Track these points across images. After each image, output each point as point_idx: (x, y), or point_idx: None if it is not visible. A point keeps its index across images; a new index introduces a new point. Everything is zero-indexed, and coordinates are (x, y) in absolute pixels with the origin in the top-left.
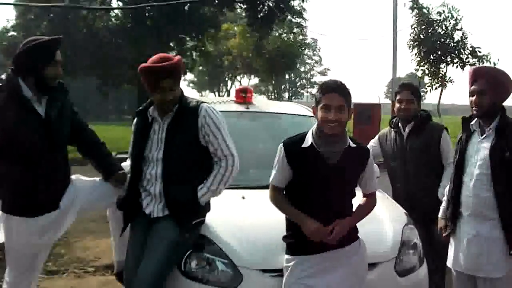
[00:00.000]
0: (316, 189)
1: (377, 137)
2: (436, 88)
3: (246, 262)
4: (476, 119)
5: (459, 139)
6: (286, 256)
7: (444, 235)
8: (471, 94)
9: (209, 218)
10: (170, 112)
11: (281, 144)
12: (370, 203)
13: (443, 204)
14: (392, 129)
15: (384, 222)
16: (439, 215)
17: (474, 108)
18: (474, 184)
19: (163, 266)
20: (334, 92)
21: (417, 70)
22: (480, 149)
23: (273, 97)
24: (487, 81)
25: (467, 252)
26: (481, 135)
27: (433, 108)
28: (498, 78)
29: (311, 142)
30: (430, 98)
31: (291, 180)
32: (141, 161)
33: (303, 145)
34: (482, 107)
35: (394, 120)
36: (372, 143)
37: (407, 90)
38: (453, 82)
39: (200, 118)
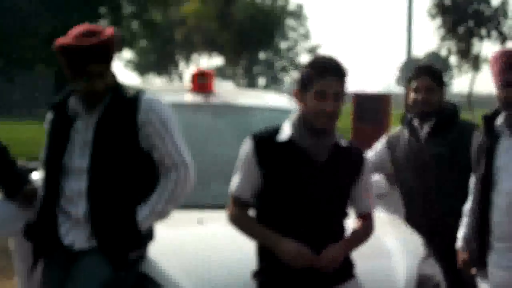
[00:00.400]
0: (298, 199)
1: (384, 139)
2: (466, 72)
3: None
4: (503, 117)
5: (479, 143)
6: None
7: (470, 272)
8: (505, 85)
9: (154, 250)
10: (99, 106)
11: (249, 138)
12: (366, 227)
13: (462, 231)
14: (406, 129)
15: (393, 255)
16: (458, 246)
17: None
18: (510, 205)
19: None
20: (331, 75)
21: (440, 47)
22: None
23: (243, 83)
24: None
25: None
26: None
27: (463, 100)
28: None
29: (291, 135)
30: (459, 85)
31: (260, 191)
32: (58, 172)
33: (278, 140)
34: None
35: (409, 116)
36: (378, 147)
37: (426, 75)
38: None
39: (140, 114)
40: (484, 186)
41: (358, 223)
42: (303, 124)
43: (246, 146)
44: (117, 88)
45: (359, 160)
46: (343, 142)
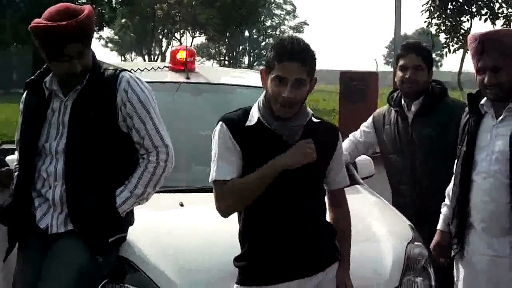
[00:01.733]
0: (276, 181)
1: (371, 118)
2: (455, 50)
3: None
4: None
5: (465, 123)
6: (235, 286)
7: (443, 258)
8: (480, 71)
9: (133, 234)
10: (76, 86)
11: (220, 123)
12: (344, 212)
13: (444, 211)
14: (393, 108)
15: (379, 238)
16: (438, 227)
17: (487, 90)
18: (491, 185)
19: None
20: (293, 60)
21: (429, 24)
22: (497, 137)
23: (226, 62)
24: (504, 53)
25: (483, 280)
26: (497, 118)
27: (453, 79)
28: None
29: (258, 118)
30: (449, 64)
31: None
32: (33, 153)
33: (247, 124)
34: (500, 87)
35: (396, 95)
36: (365, 127)
37: (414, 53)
38: None
39: (119, 93)
40: (465, 165)
41: (337, 222)
42: (269, 106)
43: (219, 129)
44: (95, 67)
45: (333, 135)
46: (314, 118)
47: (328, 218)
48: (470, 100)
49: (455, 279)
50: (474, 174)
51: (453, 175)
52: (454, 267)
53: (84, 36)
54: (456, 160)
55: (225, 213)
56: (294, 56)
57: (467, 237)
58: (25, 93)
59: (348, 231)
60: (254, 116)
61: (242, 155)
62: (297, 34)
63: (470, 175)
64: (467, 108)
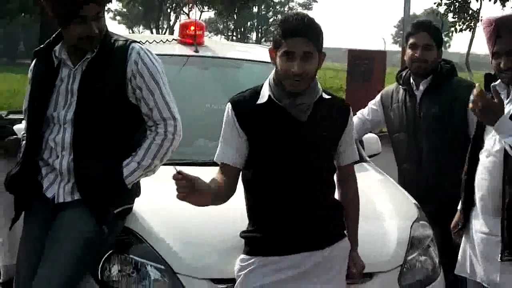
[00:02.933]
0: (285, 159)
1: (379, 96)
2: (461, 30)
3: (189, 268)
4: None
5: None
6: (242, 256)
7: (453, 232)
8: (495, 54)
9: (139, 205)
10: (87, 55)
11: (228, 104)
12: (353, 188)
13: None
14: (401, 87)
15: (385, 216)
16: (458, 207)
17: (503, 74)
18: (491, 164)
19: (71, 275)
20: (298, 35)
21: (438, 4)
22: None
23: (234, 38)
24: None
25: (478, 255)
26: (508, 97)
27: (460, 61)
28: None
29: (269, 95)
30: (457, 45)
31: (248, 158)
32: (41, 122)
33: (258, 102)
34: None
35: (404, 73)
36: (372, 105)
37: (424, 32)
38: None
39: (129, 64)
40: (474, 144)
41: (346, 198)
42: (280, 83)
43: (226, 111)
44: (106, 37)
45: (345, 111)
46: (325, 95)
47: (337, 194)
48: (487, 81)
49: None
50: (480, 153)
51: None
52: (461, 246)
53: None
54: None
55: None
56: (300, 31)
57: (471, 214)
58: (33, 62)
59: (357, 209)
60: (265, 94)
61: (249, 137)
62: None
63: (476, 154)
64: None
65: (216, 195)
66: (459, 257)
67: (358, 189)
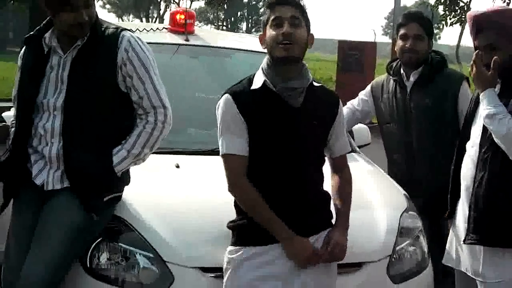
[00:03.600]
0: (280, 144)
1: (369, 87)
2: (452, 24)
3: (178, 257)
4: None
5: (473, 97)
6: (230, 248)
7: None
8: (477, 49)
9: (128, 194)
10: (77, 42)
11: (226, 95)
12: (346, 183)
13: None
14: (391, 77)
15: (374, 206)
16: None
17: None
18: (474, 153)
19: (59, 263)
20: (285, 4)
21: None
22: (483, 98)
23: (224, 28)
24: (498, 32)
25: (462, 245)
26: (499, 91)
27: (450, 53)
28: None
29: (264, 81)
30: (447, 37)
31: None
32: (31, 109)
33: (252, 87)
34: (496, 65)
35: (395, 64)
36: (362, 96)
37: (415, 22)
38: None
39: (120, 52)
40: (462, 135)
41: (337, 179)
42: (273, 67)
43: (225, 102)
44: (96, 24)
45: (334, 101)
46: (316, 83)
47: (330, 183)
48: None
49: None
50: (467, 144)
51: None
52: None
53: None
54: None
55: (229, 188)
56: (285, 0)
57: (457, 204)
58: (23, 49)
59: (349, 195)
60: (259, 79)
61: (248, 126)
62: None
63: (464, 145)
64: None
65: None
66: (446, 247)
67: (351, 181)
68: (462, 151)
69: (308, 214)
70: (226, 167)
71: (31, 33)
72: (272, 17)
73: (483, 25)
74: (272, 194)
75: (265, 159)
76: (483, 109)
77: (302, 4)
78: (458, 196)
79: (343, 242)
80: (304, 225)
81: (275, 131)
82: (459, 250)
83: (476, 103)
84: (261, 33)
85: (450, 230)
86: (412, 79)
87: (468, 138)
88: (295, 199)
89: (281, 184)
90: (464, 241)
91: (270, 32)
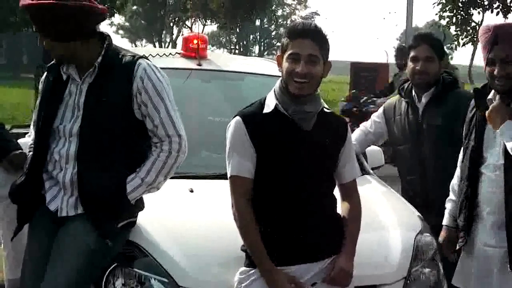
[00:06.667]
0: (287, 172)
1: (381, 109)
2: (464, 44)
3: (193, 281)
4: (494, 92)
5: (471, 118)
6: (242, 269)
7: (452, 253)
8: (489, 62)
9: (142, 219)
10: (90, 69)
11: (236, 117)
12: (356, 209)
13: (449, 206)
14: (403, 99)
15: (388, 228)
16: (445, 223)
17: (496, 81)
18: (497, 177)
19: (74, 287)
20: (305, 37)
21: (441, 17)
22: (506, 130)
23: (237, 51)
24: None
25: (481, 268)
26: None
27: (463, 73)
28: None
29: (276, 104)
30: (460, 57)
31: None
32: (48, 135)
33: (264, 111)
34: (508, 79)
35: (407, 86)
36: (375, 117)
37: (425, 44)
38: None
39: (135, 80)
40: (474, 159)
41: (348, 211)
42: (286, 92)
43: (235, 125)
44: (109, 51)
45: (343, 127)
46: (326, 109)
47: (340, 208)
48: (477, 95)
49: (458, 268)
50: (483, 168)
51: (459, 170)
52: (461, 260)
53: (55, 21)
54: (461, 155)
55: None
56: (306, 33)
57: (475, 229)
58: (45, 74)
59: (358, 221)
60: (271, 103)
61: (257, 148)
62: None
63: (478, 169)
64: (472, 102)
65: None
66: (458, 268)
67: (361, 206)
68: (477, 175)
69: (320, 238)
70: (231, 187)
71: (53, 61)
72: (290, 51)
73: (500, 37)
74: (283, 220)
75: (275, 182)
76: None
77: (324, 34)
78: (472, 221)
79: (349, 269)
80: (317, 250)
81: (286, 154)
82: (476, 274)
83: (481, 127)
84: (275, 55)
85: (463, 254)
86: (423, 100)
87: (480, 162)
88: (306, 224)
89: (290, 209)
90: (510, 267)
91: (286, 64)
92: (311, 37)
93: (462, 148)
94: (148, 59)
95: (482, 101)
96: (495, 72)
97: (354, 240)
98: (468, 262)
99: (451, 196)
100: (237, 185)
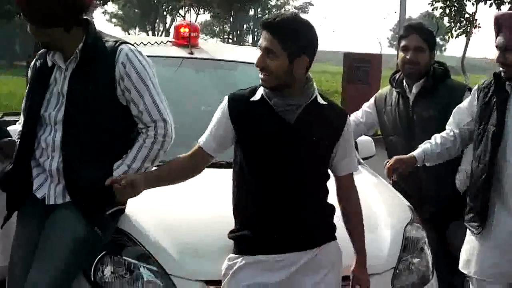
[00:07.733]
0: (270, 161)
1: (372, 99)
2: (458, 35)
3: (182, 270)
4: None
5: (487, 102)
6: (230, 255)
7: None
8: (497, 48)
9: (132, 207)
10: (72, 56)
11: (227, 97)
12: (354, 200)
13: (424, 146)
14: (394, 89)
15: (378, 218)
16: (413, 153)
17: (501, 69)
18: None
19: (62, 276)
20: (265, 29)
21: (434, 8)
22: None
23: (231, 41)
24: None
25: (501, 253)
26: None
27: (456, 64)
28: None
29: (262, 94)
30: (453, 49)
31: (236, 158)
32: (35, 122)
33: (252, 98)
34: (508, 66)
35: (397, 76)
36: (366, 108)
37: (416, 34)
38: (480, 27)
39: (117, 66)
40: (495, 143)
41: (349, 215)
42: None
43: (222, 105)
44: (90, 37)
45: (341, 119)
46: (321, 100)
47: (338, 207)
48: (496, 80)
49: (466, 253)
50: (504, 150)
51: (475, 154)
52: (467, 245)
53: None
54: (476, 139)
55: None
56: (267, 26)
57: (493, 213)
58: (33, 61)
59: (361, 225)
60: (259, 92)
61: (237, 133)
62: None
63: (497, 153)
64: (474, 88)
65: (171, 177)
66: (464, 256)
67: (359, 201)
68: (496, 157)
69: (307, 227)
70: (191, 151)
71: (43, 49)
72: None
73: (501, 25)
74: (266, 207)
75: (257, 171)
76: None
77: (291, 28)
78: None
79: (368, 278)
80: (304, 239)
81: (267, 144)
82: (498, 259)
83: (502, 111)
84: None
85: (480, 239)
86: (414, 91)
87: (500, 146)
88: (289, 213)
89: (274, 197)
90: None
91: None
92: (270, 30)
93: (475, 133)
94: (131, 44)
95: (501, 86)
96: (496, 59)
97: (363, 249)
98: (484, 250)
99: (431, 141)
100: (196, 152)
